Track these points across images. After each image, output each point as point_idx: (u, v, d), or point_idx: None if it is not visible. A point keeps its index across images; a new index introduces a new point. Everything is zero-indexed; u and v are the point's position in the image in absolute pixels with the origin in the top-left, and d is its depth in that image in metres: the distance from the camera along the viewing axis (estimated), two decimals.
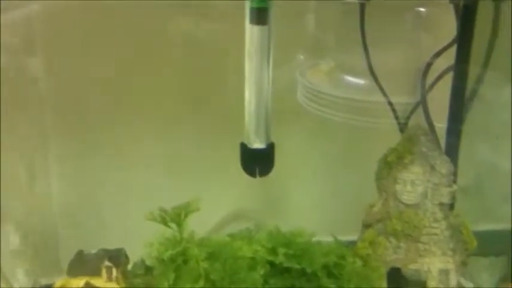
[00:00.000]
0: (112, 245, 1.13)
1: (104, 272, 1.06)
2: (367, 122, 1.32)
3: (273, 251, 1.12)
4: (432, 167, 1.15)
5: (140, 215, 1.13)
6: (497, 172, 1.38)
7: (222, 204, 1.31)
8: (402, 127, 1.33)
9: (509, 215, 1.31)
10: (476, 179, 1.40)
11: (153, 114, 1.29)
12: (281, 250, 1.11)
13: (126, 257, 1.12)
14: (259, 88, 1.13)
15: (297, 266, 1.11)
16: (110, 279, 1.06)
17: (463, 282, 1.22)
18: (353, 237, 1.21)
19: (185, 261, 1.11)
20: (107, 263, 1.06)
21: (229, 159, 1.21)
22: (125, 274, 1.10)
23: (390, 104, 1.34)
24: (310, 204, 1.40)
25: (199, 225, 1.17)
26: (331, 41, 1.38)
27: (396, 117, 1.35)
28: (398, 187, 1.16)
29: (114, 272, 1.06)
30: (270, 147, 1.18)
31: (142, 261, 1.09)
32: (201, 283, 1.06)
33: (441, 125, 1.34)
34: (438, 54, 1.31)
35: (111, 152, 1.29)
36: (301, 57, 1.39)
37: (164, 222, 1.15)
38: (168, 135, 1.31)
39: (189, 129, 1.31)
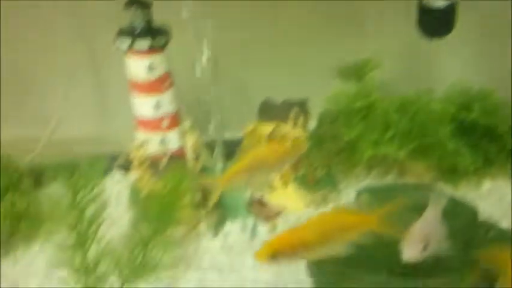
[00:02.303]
0: None
1: (292, 118, 1.07)
2: None
3: (466, 106, 1.06)
4: None
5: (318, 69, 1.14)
6: None
7: None
8: None
9: None
10: None
11: None
12: (476, 106, 1.05)
13: (308, 108, 1.12)
14: None
15: (490, 123, 1.06)
16: (296, 125, 1.07)
17: None
18: None
19: (370, 113, 1.10)
20: (296, 109, 1.07)
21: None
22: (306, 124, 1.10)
23: None
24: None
25: None
26: None
27: None
28: None
29: (302, 119, 1.07)
30: (454, 5, 1.09)
31: (329, 111, 1.09)
32: (390, 133, 1.05)
33: None
34: None
35: None
36: None
37: (346, 76, 1.14)
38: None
39: None
